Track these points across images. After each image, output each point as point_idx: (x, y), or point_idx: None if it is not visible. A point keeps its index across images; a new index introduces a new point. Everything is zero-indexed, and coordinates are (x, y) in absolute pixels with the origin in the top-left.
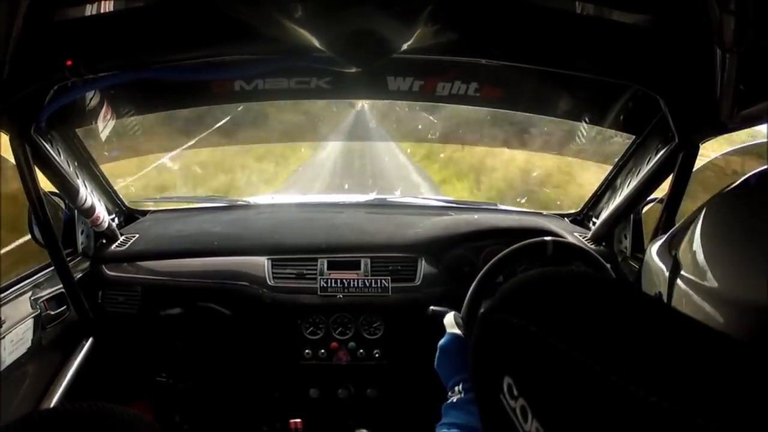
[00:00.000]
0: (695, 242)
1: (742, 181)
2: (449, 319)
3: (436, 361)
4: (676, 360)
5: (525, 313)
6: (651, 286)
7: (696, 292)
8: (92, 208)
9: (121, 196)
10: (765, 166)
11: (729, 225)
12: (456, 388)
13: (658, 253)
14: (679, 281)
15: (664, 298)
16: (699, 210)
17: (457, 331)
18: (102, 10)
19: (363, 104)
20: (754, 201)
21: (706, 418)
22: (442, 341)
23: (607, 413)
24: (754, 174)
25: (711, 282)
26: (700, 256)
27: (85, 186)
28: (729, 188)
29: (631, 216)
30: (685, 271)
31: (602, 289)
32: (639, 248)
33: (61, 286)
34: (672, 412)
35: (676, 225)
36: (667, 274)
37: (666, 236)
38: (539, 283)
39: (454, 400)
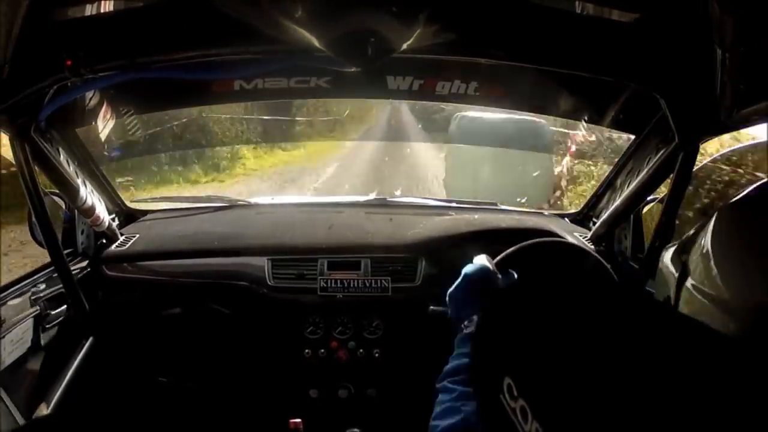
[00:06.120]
0: (702, 250)
1: (749, 192)
2: (481, 256)
3: (452, 289)
4: (676, 364)
5: (525, 314)
6: (662, 289)
7: (701, 296)
8: (92, 208)
9: (121, 196)
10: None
11: (733, 236)
12: (466, 321)
13: (670, 259)
14: (686, 285)
15: (672, 300)
16: (710, 218)
17: (487, 264)
18: (102, 10)
19: None
20: (758, 214)
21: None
22: (468, 268)
23: (607, 415)
24: (759, 185)
25: (715, 289)
26: (706, 264)
27: (85, 186)
28: (737, 199)
29: (631, 216)
30: (692, 277)
31: (603, 293)
32: (639, 248)
33: (60, 286)
34: (669, 416)
35: (687, 232)
36: (675, 278)
37: (678, 242)
38: (542, 286)
39: (465, 332)
